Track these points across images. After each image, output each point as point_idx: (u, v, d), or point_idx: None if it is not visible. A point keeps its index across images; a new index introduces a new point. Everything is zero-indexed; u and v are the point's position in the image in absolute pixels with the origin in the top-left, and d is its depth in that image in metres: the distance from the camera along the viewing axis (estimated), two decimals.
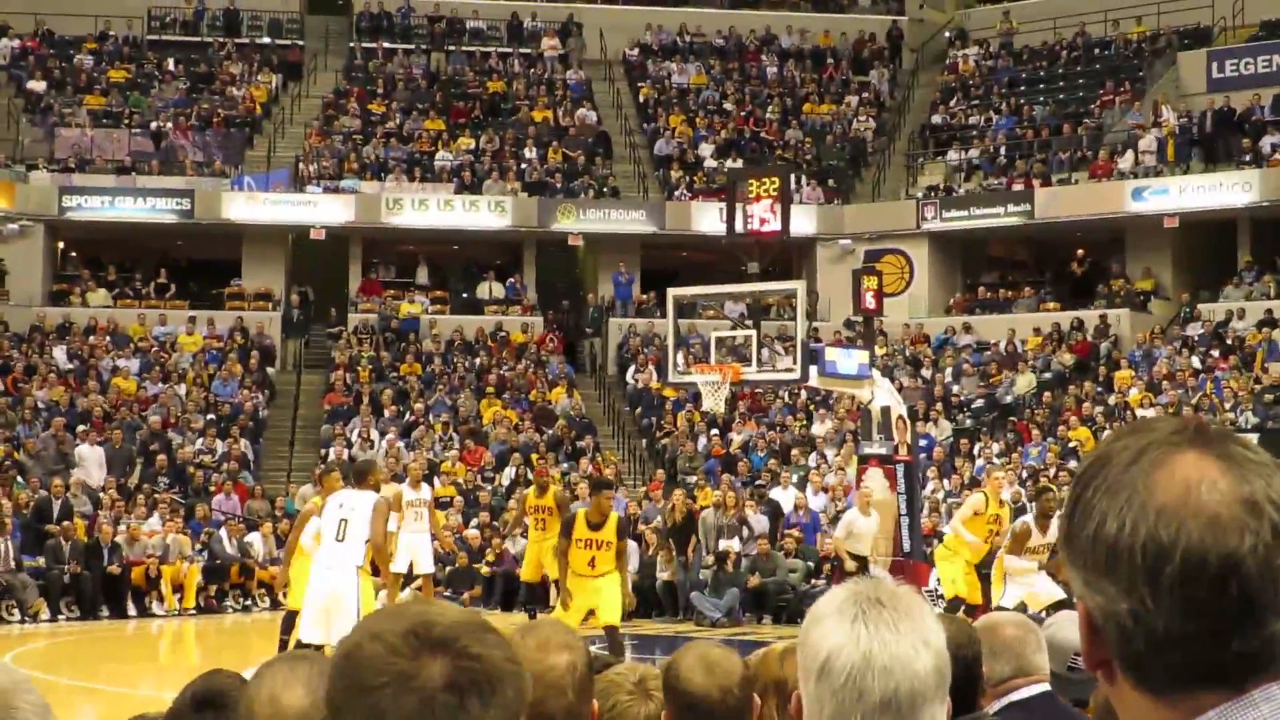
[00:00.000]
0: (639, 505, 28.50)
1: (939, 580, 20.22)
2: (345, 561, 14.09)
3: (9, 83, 41.81)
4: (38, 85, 41.54)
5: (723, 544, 25.32)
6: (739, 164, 38.28)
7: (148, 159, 39.96)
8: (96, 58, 43.15)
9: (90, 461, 29.63)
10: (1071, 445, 30.56)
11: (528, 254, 41.33)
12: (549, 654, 3.48)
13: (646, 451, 34.77)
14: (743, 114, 43.67)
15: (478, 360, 37.17)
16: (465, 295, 40.84)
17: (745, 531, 25.97)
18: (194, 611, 25.84)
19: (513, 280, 40.86)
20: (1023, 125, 41.58)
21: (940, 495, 28.27)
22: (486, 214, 39.47)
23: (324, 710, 2.09)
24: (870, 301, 23.83)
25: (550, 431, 33.72)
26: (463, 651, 2.00)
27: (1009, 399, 34.63)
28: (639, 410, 36.31)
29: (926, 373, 36.30)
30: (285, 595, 18.76)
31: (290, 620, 18.02)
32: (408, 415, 33.98)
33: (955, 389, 35.44)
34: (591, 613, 15.98)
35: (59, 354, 35.02)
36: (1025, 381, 34.86)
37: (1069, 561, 1.68)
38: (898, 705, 2.35)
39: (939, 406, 33.87)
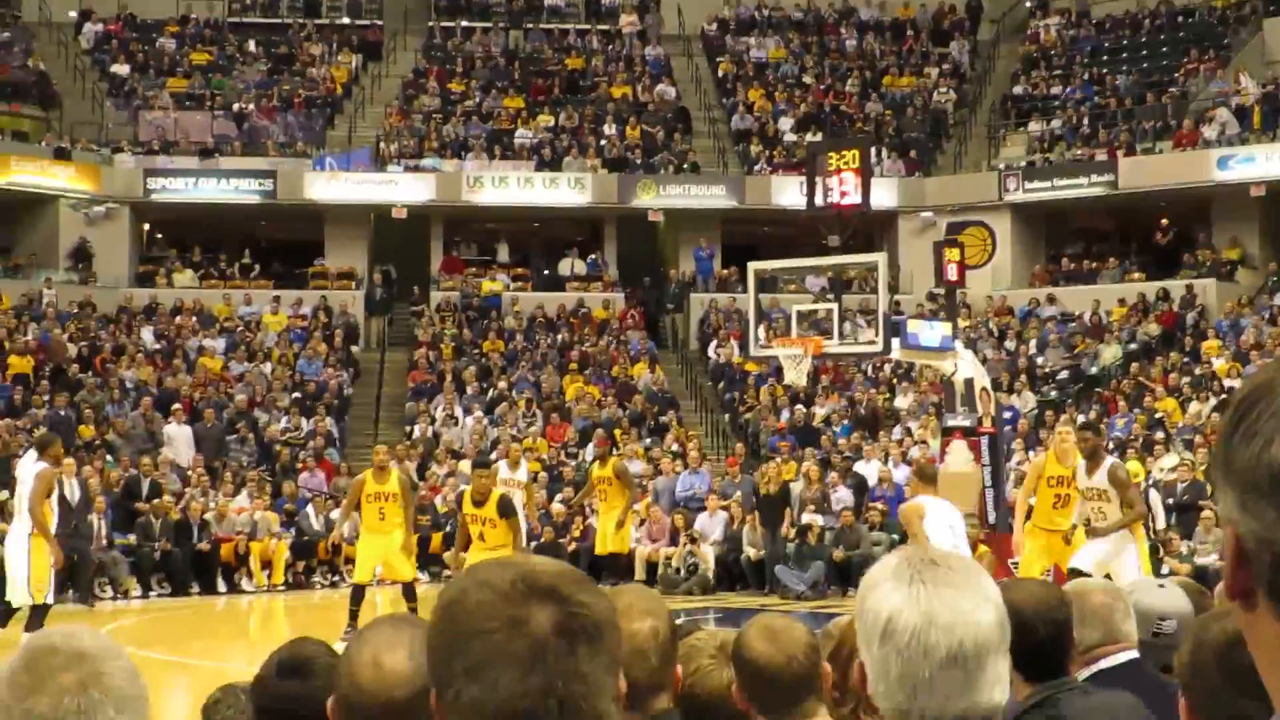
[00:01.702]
0: (721, 480, 28.51)
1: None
2: None
3: (93, 67, 42.24)
4: (121, 69, 41.96)
5: (806, 517, 25.31)
6: (819, 137, 38.12)
7: (230, 140, 40.28)
8: (179, 41, 43.51)
9: (178, 440, 29.95)
10: (1158, 416, 30.30)
11: (608, 230, 41.37)
12: (632, 620, 3.50)
13: (729, 426, 34.74)
14: (822, 87, 43.49)
15: (560, 337, 37.26)
16: (546, 272, 40.94)
17: (829, 505, 25.95)
18: (282, 587, 26.09)
19: (594, 257, 40.92)
20: (1105, 95, 41.19)
21: (1025, 468, 28.07)
22: (566, 191, 39.53)
23: (428, 657, 2.14)
24: (953, 273, 23.65)
25: (632, 407, 33.75)
26: (569, 600, 2.07)
27: (1094, 370, 34.39)
28: (721, 385, 36.29)
29: (1010, 344, 36.08)
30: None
31: (359, 593, 18.27)
32: (491, 392, 34.11)
33: (1040, 361, 35.22)
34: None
35: (146, 334, 35.40)
36: (1111, 353, 34.60)
37: (1223, 483, 1.63)
38: (964, 659, 2.37)
39: (1023, 378, 33.66)
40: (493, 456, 24.30)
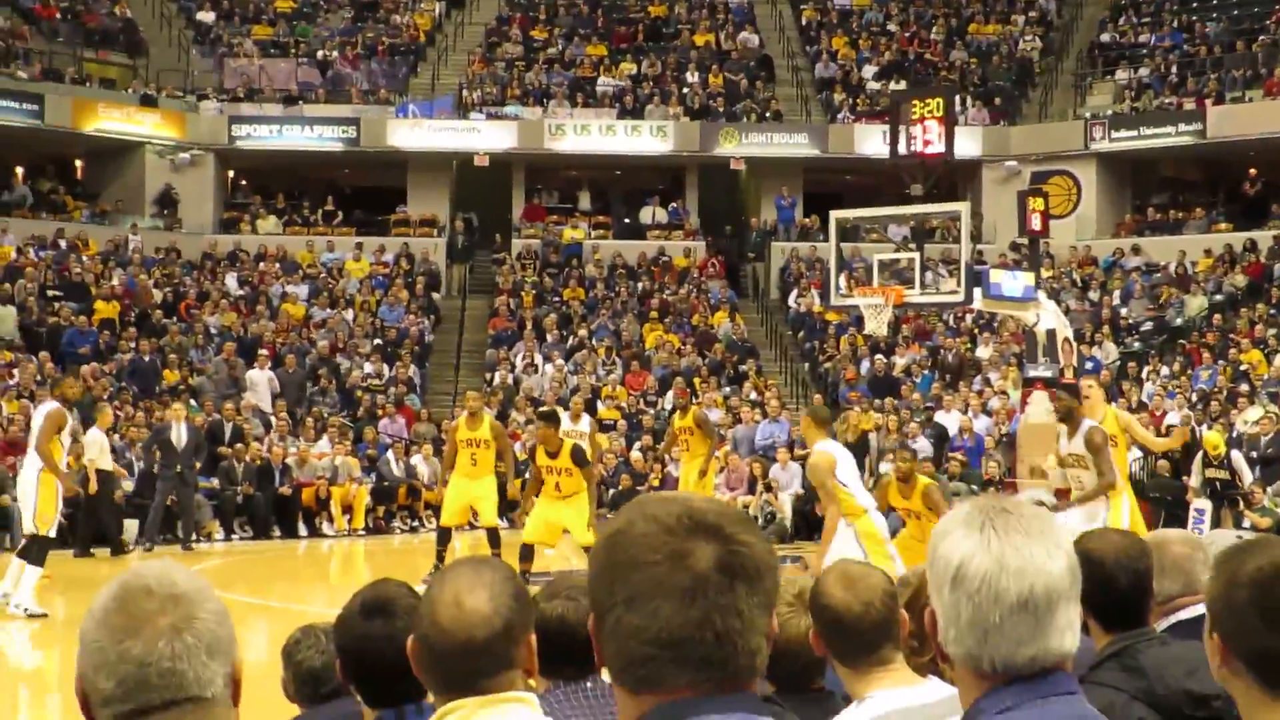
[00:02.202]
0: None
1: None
2: None
3: (179, 14, 42.48)
4: (206, 16, 42.18)
5: (884, 467, 25.23)
6: (902, 86, 37.84)
7: (314, 88, 40.44)
8: None
9: (261, 385, 30.19)
10: (1243, 368, 30.00)
11: (690, 178, 41.30)
12: None
13: (809, 375, 34.68)
14: (906, 35, 43.17)
15: (640, 285, 37.27)
16: (627, 220, 40.93)
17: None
18: (363, 532, 26.30)
19: (675, 205, 40.86)
20: (1194, 43, 40.67)
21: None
22: (648, 139, 39.47)
23: (590, 583, 2.22)
24: (1036, 223, 23.48)
25: (712, 356, 33.74)
26: (731, 538, 2.14)
27: (1179, 321, 34.06)
28: (801, 334, 36.22)
29: (1094, 295, 35.78)
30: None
31: (445, 535, 18.39)
32: (570, 340, 34.19)
33: (1124, 312, 34.91)
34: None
35: (230, 280, 35.68)
36: (1196, 304, 34.27)
37: None
38: (1035, 604, 2.38)
39: (1106, 329, 33.39)
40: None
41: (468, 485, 18.32)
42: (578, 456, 17.05)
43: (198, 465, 24.57)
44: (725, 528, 2.13)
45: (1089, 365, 29.10)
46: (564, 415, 21.10)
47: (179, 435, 24.11)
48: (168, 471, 23.81)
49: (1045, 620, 2.39)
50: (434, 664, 3.03)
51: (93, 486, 22.48)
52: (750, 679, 2.15)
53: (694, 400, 26.66)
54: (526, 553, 16.76)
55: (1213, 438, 23.13)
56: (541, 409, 21.95)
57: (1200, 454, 22.70)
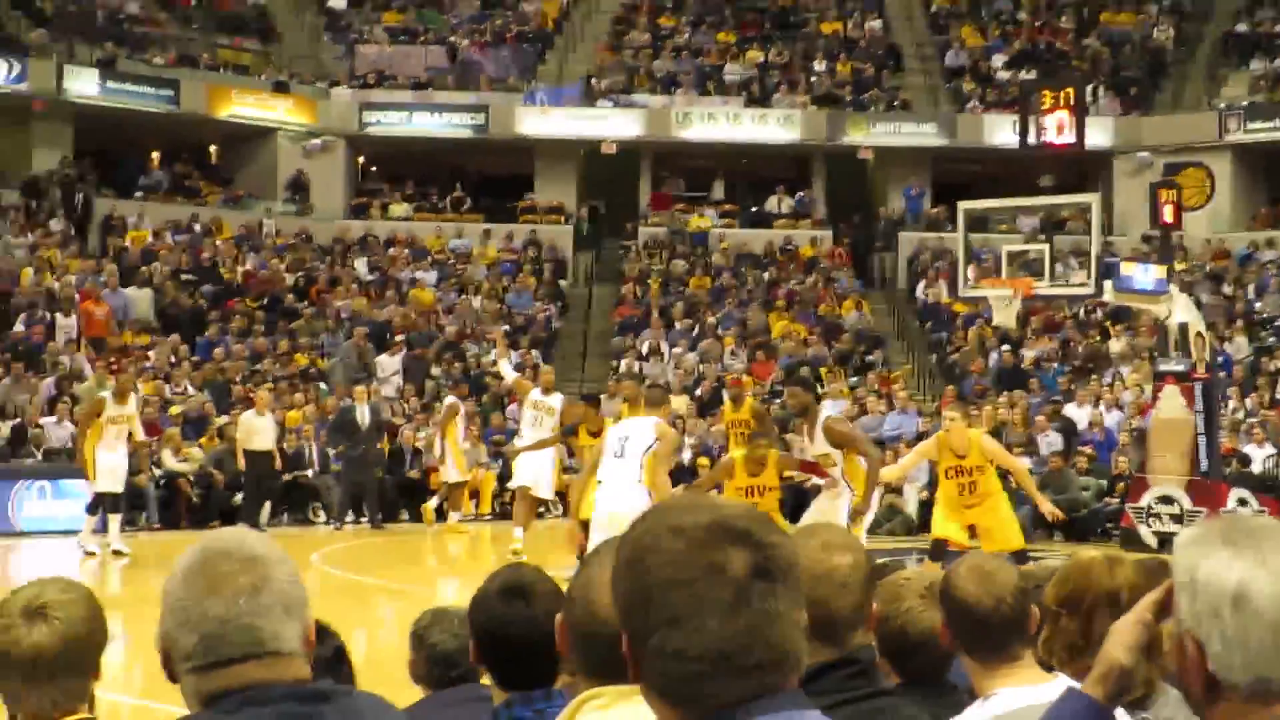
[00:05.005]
0: (930, 421, 28.31)
1: None
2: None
3: (310, 1, 42.92)
4: (338, 3, 42.61)
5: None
6: (1033, 75, 37.48)
7: (443, 74, 40.73)
8: None
9: (389, 370, 30.50)
10: None
11: (817, 167, 41.15)
12: (833, 554, 3.53)
13: (936, 367, 34.46)
14: (1037, 24, 42.72)
15: (766, 274, 37.20)
16: (754, 209, 40.86)
17: (1036, 448, 25.63)
18: (489, 517, 26.46)
19: (802, 194, 40.74)
20: None
21: (1240, 415, 27.50)
22: (775, 127, 39.39)
23: (620, 606, 2.18)
24: (1169, 215, 23.17)
25: (839, 345, 33.62)
26: (761, 542, 2.11)
27: None
28: (928, 325, 35.98)
29: (1228, 289, 35.23)
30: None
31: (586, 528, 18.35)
32: (696, 329, 34.20)
33: (1258, 306, 34.35)
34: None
35: (360, 265, 36.04)
36: None
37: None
38: None
39: (1239, 323, 32.87)
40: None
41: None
42: None
43: (384, 446, 25.55)
44: (754, 531, 2.10)
45: (1221, 360, 28.68)
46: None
47: (362, 416, 24.68)
48: (351, 452, 24.43)
49: None
50: (585, 647, 3.08)
51: (240, 464, 23.67)
52: (795, 676, 2.13)
53: (761, 393, 26.12)
54: (586, 528, 16.78)
55: None
56: (584, 392, 22.23)
57: None
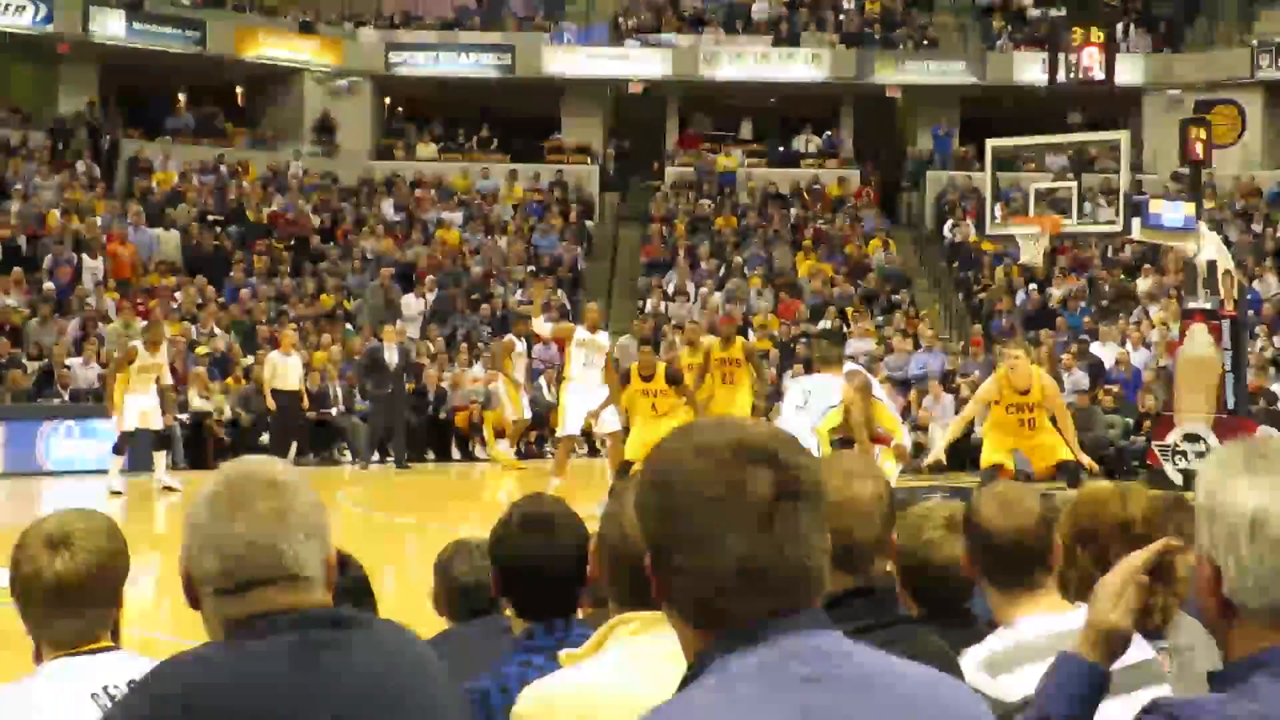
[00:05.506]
0: (957, 360, 28.28)
1: None
2: None
3: None
4: None
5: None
6: (1063, 12, 37.20)
7: (470, 14, 40.60)
8: None
9: (415, 310, 30.53)
10: None
11: (845, 107, 40.95)
12: (854, 482, 3.52)
13: (963, 306, 34.36)
14: None
15: (793, 213, 37.09)
16: (781, 149, 40.71)
17: (1063, 386, 25.55)
18: (516, 456, 26.50)
19: (829, 133, 40.57)
20: None
21: (1269, 353, 27.40)
22: (803, 66, 39.19)
23: (643, 525, 2.18)
24: (1199, 153, 23.02)
25: (865, 285, 33.54)
26: (785, 463, 2.11)
27: None
28: (955, 264, 35.86)
29: (1257, 227, 35.02)
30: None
31: (625, 469, 18.33)
32: (723, 269, 34.12)
33: None
34: None
35: (386, 206, 36.03)
36: None
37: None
38: None
39: (1269, 262, 32.70)
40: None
41: (658, 425, 17.24)
42: (672, 376, 17.81)
43: (409, 386, 25.64)
44: (779, 452, 2.10)
45: (1250, 298, 28.54)
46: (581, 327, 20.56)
47: (391, 356, 24.76)
48: (380, 391, 24.56)
49: None
50: (618, 572, 3.10)
51: (268, 404, 24.09)
52: (817, 597, 2.14)
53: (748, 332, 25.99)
54: (626, 470, 16.85)
55: None
56: (642, 335, 22.29)
57: None
